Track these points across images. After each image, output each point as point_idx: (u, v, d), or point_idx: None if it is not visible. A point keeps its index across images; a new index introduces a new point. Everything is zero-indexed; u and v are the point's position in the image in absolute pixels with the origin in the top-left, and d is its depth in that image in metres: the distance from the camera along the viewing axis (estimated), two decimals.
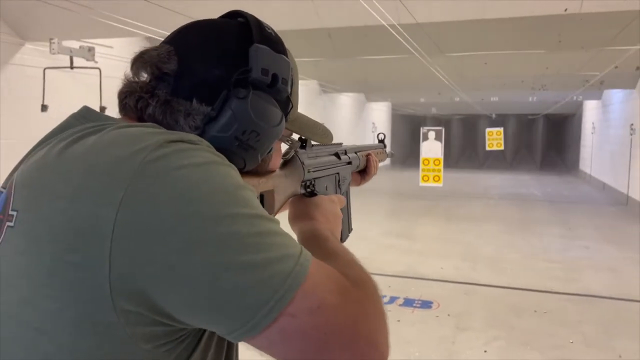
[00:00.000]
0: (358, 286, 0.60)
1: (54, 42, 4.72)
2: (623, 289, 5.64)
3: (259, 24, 0.72)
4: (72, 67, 5.09)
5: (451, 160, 19.03)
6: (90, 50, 5.10)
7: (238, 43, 0.69)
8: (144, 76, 0.69)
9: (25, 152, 0.67)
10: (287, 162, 0.91)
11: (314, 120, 0.91)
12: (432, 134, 10.41)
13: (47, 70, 5.26)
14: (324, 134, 0.93)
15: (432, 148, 10.45)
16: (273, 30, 0.74)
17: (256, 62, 0.68)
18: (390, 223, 8.71)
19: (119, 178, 0.54)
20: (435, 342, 4.23)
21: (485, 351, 4.07)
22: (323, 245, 0.75)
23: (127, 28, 4.32)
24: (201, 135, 0.65)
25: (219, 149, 0.63)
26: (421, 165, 10.44)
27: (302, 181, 0.93)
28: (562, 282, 5.84)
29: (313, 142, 0.96)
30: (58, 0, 3.91)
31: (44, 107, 4.90)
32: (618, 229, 9.05)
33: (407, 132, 21.02)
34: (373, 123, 17.83)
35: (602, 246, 7.63)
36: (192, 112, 0.66)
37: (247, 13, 0.74)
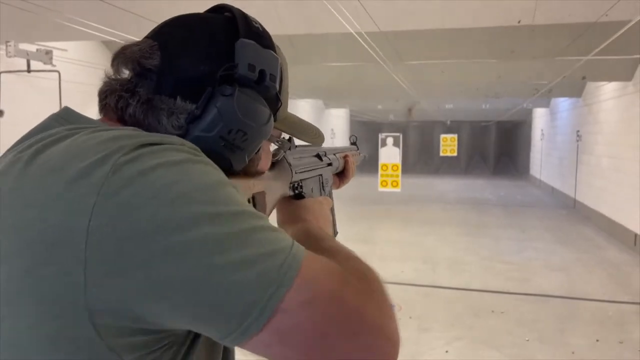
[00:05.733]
0: (359, 277, 0.58)
1: (10, 45, 4.55)
2: (574, 288, 5.90)
3: (246, 18, 0.68)
4: (29, 71, 4.93)
5: (408, 165, 19.35)
6: (48, 53, 4.94)
7: (224, 38, 0.66)
8: (126, 73, 0.65)
9: None
10: (275, 163, 0.88)
11: (304, 120, 0.87)
12: (390, 140, 10.57)
13: (2, 74, 5.07)
14: (316, 134, 0.91)
15: (390, 154, 10.62)
16: (260, 25, 0.70)
17: (242, 57, 0.64)
18: (350, 228, 8.77)
19: (91, 183, 0.50)
20: None
21: (446, 351, 4.18)
22: (319, 244, 0.71)
23: (87, 30, 4.23)
24: (184, 135, 0.62)
25: (203, 150, 0.59)
26: (380, 171, 10.59)
27: (290, 183, 0.91)
28: (517, 282, 6.05)
29: (296, 143, 0.93)
30: (14, 0, 3.79)
31: None
32: (567, 231, 9.44)
33: (366, 138, 21.28)
34: (332, 129, 17.95)
35: (554, 247, 7.95)
36: (175, 110, 0.62)
37: (233, 7, 0.70)
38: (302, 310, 0.51)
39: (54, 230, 0.49)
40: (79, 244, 0.48)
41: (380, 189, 10.44)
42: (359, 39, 4.64)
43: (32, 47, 5.20)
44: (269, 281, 0.50)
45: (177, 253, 0.49)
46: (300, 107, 15.61)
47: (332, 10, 3.81)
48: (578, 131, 11.64)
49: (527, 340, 4.41)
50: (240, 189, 0.68)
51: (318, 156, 1.06)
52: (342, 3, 3.85)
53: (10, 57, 4.71)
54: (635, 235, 7.79)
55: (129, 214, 0.49)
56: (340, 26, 4.24)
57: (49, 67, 5.09)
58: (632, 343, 4.35)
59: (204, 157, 0.57)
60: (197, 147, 0.58)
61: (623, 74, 8.29)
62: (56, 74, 5.05)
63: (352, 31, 4.35)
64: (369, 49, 5.14)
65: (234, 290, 0.49)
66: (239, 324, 0.50)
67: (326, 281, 0.54)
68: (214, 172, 0.56)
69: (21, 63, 5.14)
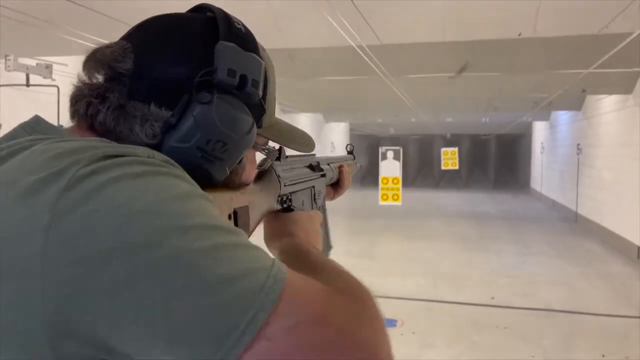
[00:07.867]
0: (348, 295, 0.54)
1: (9, 59, 4.55)
2: (578, 303, 5.84)
3: (227, 19, 0.64)
4: (28, 85, 4.92)
5: (408, 179, 19.35)
6: (48, 67, 4.94)
7: (203, 40, 0.61)
8: (99, 78, 0.61)
9: None
10: (262, 174, 0.83)
11: (293, 127, 0.83)
12: (390, 154, 10.57)
13: (1, 88, 5.04)
14: (305, 142, 0.84)
15: (390, 167, 10.62)
16: (244, 26, 0.66)
17: (222, 61, 0.60)
18: (351, 242, 8.73)
19: (44, 199, 0.45)
20: None
21: None
22: (306, 260, 0.68)
23: (87, 44, 4.22)
24: (159, 145, 0.58)
25: (179, 161, 0.55)
26: (380, 185, 10.57)
27: (279, 196, 0.86)
28: (520, 297, 5.99)
29: (287, 153, 0.88)
30: (13, 13, 3.79)
31: None
32: (569, 244, 9.39)
33: (366, 151, 21.31)
34: (332, 143, 17.98)
35: (556, 261, 7.90)
36: (149, 117, 0.58)
37: (214, 6, 0.66)
38: (286, 337, 0.46)
39: (7, 251, 0.45)
40: (34, 268, 0.44)
41: (381, 202, 10.40)
42: (360, 52, 4.64)
43: (31, 62, 5.19)
44: (247, 304, 0.45)
45: (141, 274, 0.44)
46: (300, 121, 15.66)
47: (334, 22, 3.81)
48: (578, 144, 11.64)
49: (533, 356, 4.34)
50: (219, 203, 0.64)
51: (311, 167, 1.01)
52: (342, 16, 3.85)
53: (9, 71, 4.69)
54: (638, 248, 7.74)
55: (88, 233, 0.44)
56: (340, 39, 4.24)
57: (48, 81, 5.07)
58: (639, 358, 4.29)
59: (174, 169, 0.53)
60: (168, 159, 0.54)
61: (623, 87, 8.30)
62: (55, 89, 5.04)
63: (353, 44, 4.35)
64: (370, 62, 5.14)
65: (207, 315, 0.44)
66: (212, 354, 0.44)
67: (312, 303, 0.49)
68: (183, 184, 0.51)
69: (20, 77, 5.12)
